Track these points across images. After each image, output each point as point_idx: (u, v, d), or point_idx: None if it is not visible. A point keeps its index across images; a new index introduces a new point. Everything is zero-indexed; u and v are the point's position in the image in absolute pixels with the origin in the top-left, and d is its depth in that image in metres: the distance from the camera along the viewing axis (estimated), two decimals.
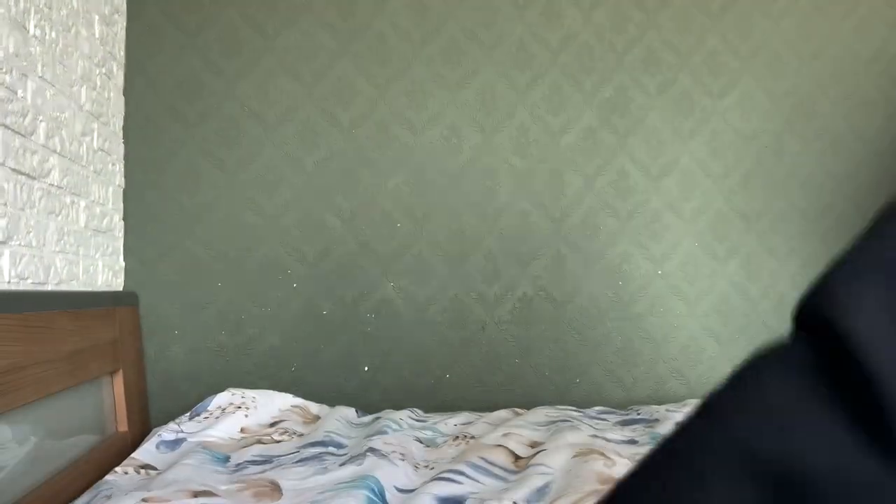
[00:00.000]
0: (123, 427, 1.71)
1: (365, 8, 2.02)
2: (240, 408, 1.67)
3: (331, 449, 1.42)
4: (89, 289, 1.68)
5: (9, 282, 1.29)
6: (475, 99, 2.05)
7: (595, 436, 1.42)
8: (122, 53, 1.92)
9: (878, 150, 2.21)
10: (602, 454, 1.21)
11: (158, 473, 1.28)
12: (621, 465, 1.18)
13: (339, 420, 1.67)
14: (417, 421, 1.74)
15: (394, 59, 2.02)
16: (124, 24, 1.92)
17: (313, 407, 1.82)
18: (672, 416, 1.68)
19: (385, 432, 1.50)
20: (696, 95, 2.13)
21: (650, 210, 2.11)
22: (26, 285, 1.36)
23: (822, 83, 2.20)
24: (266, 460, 1.38)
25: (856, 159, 2.20)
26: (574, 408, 1.90)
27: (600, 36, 2.11)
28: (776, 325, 2.15)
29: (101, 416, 1.63)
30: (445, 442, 1.52)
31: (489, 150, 2.05)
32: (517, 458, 1.31)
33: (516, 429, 1.47)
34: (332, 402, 1.96)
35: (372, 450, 1.31)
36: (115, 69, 1.86)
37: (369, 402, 1.98)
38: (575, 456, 1.23)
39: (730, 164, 2.14)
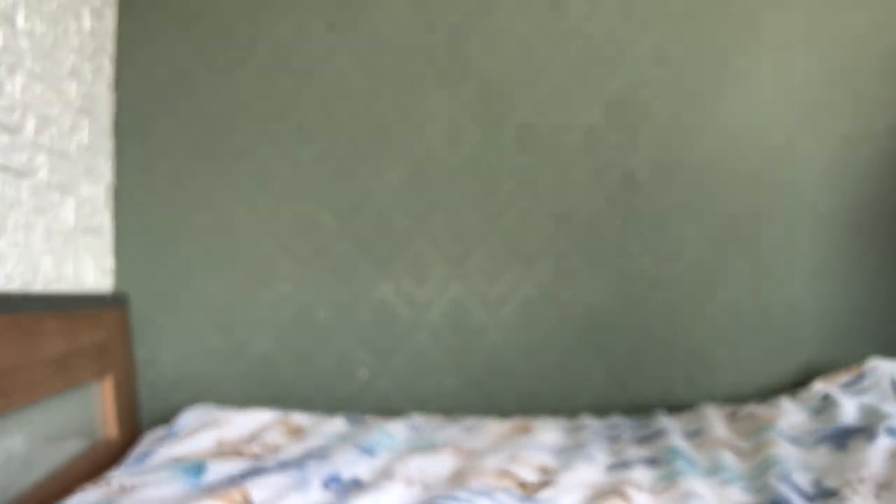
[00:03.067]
0: (113, 432, 1.67)
1: None
2: (212, 427, 1.59)
3: (314, 454, 1.36)
4: (78, 290, 1.65)
5: None
6: (476, 94, 2.02)
7: (612, 467, 1.37)
8: (113, 47, 1.88)
9: (888, 147, 2.19)
10: (621, 495, 1.16)
11: (121, 493, 1.19)
12: None
13: (325, 437, 1.60)
14: (414, 431, 1.68)
15: (391, 53, 1.99)
16: (115, 17, 1.89)
17: (296, 417, 1.74)
18: (678, 428, 1.66)
19: (375, 452, 1.43)
20: (702, 92, 2.11)
21: (656, 209, 2.08)
22: (13, 286, 1.33)
23: (830, 80, 2.17)
24: (243, 477, 1.30)
25: (867, 158, 2.17)
26: (587, 414, 1.87)
27: (605, 31, 2.07)
28: (785, 326, 2.13)
29: (90, 421, 1.61)
30: (445, 449, 1.47)
31: (490, 146, 2.02)
32: (524, 484, 1.25)
33: (523, 451, 1.41)
34: (327, 408, 1.93)
35: (357, 482, 1.25)
36: (105, 63, 1.82)
37: (366, 408, 1.95)
38: (591, 500, 1.16)
39: (735, 164, 2.12)
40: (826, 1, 2.17)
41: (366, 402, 1.96)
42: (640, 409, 2.05)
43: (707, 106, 2.11)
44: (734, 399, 2.07)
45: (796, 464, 1.30)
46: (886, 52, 2.19)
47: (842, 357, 2.13)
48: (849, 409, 1.65)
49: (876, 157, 2.18)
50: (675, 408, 2.05)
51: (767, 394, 2.10)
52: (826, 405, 1.72)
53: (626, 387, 2.06)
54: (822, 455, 1.36)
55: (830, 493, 1.16)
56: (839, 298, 2.16)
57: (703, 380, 2.09)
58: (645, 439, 1.59)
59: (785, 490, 1.13)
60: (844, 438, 1.45)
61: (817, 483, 1.21)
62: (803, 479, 1.22)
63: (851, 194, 2.18)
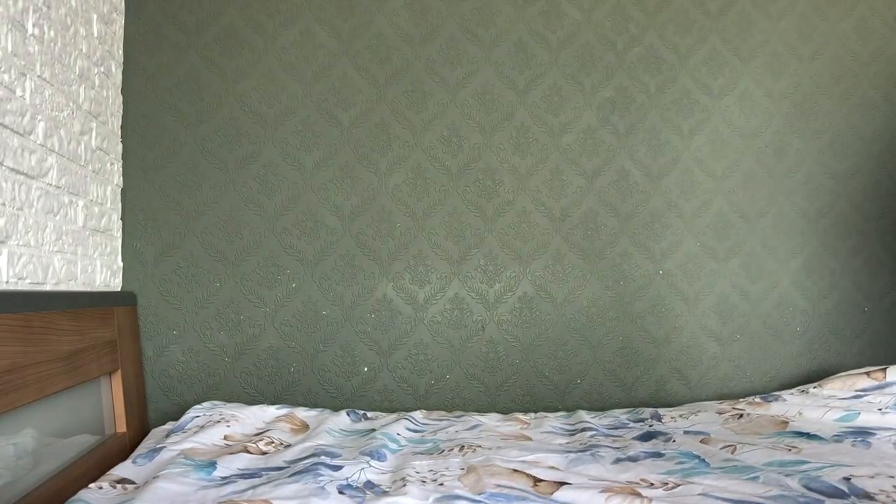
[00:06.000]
0: (122, 427, 1.70)
1: (364, 7, 2.02)
2: (219, 422, 1.60)
3: (324, 459, 1.36)
4: (87, 289, 1.68)
5: (7, 282, 1.28)
6: (475, 98, 2.05)
7: (618, 459, 1.38)
8: (121, 52, 1.91)
9: (878, 149, 2.21)
10: (635, 493, 1.15)
11: (136, 488, 1.21)
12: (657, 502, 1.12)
13: (330, 432, 1.61)
14: (416, 432, 1.68)
15: (393, 59, 2.02)
16: (123, 22, 1.92)
17: (301, 413, 1.76)
18: (682, 425, 1.66)
19: (382, 456, 1.42)
20: (696, 95, 2.13)
21: (650, 209, 2.10)
22: (24, 285, 1.35)
23: (822, 83, 2.20)
24: (254, 474, 1.30)
25: (855, 159, 2.20)
26: (585, 412, 1.88)
27: (600, 35, 2.10)
28: (777, 324, 2.15)
29: (99, 417, 1.63)
30: (451, 451, 1.47)
31: (489, 149, 2.05)
32: (537, 481, 1.25)
33: (530, 455, 1.41)
34: (331, 403, 1.96)
35: (370, 484, 1.25)
36: (113, 68, 1.85)
37: (369, 403, 1.98)
38: (607, 497, 1.15)
39: (730, 164, 2.14)
40: (815, 9, 2.19)
41: (368, 397, 1.98)
42: (634, 403, 2.07)
43: (697, 110, 2.13)
44: (724, 396, 2.10)
45: (819, 461, 1.29)
46: (872, 57, 2.21)
47: (829, 356, 2.15)
48: (870, 414, 1.65)
49: (863, 159, 2.20)
50: (668, 403, 2.07)
51: (757, 391, 2.12)
52: (844, 409, 1.70)
53: (621, 382, 2.08)
54: (846, 452, 1.36)
55: (864, 495, 1.14)
56: (827, 298, 2.18)
57: (695, 376, 2.11)
58: (647, 435, 1.60)
59: (806, 485, 1.13)
60: (868, 438, 1.46)
61: (847, 482, 1.19)
62: (831, 476, 1.21)
63: (838, 194, 2.20)
